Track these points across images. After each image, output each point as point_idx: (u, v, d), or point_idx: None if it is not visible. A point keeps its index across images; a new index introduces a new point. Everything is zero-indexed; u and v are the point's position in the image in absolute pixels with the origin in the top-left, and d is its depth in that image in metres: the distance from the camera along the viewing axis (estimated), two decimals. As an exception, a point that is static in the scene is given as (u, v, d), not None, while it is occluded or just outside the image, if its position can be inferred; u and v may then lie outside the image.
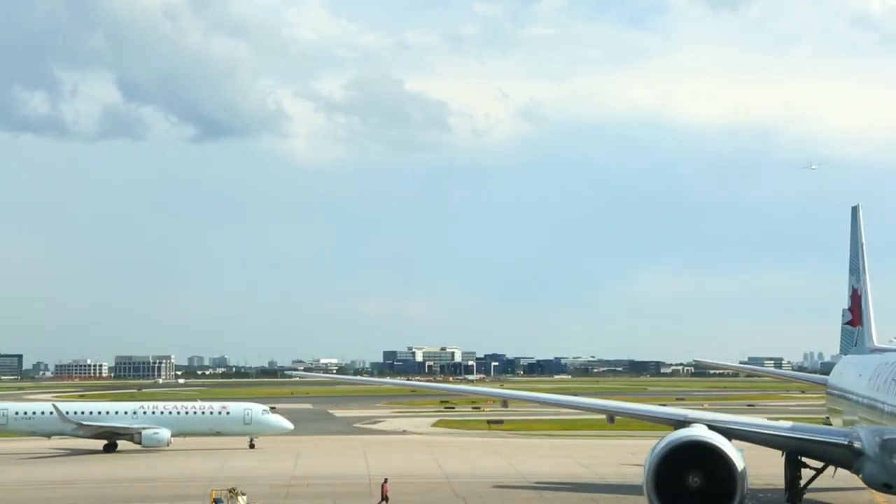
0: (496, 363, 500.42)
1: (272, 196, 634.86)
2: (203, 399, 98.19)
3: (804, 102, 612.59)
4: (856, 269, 54.39)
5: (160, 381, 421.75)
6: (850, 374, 49.03)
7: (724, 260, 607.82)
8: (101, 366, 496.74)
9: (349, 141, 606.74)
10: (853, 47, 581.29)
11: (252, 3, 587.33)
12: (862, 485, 44.94)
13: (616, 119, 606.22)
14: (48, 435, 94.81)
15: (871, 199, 56.02)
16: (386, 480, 59.06)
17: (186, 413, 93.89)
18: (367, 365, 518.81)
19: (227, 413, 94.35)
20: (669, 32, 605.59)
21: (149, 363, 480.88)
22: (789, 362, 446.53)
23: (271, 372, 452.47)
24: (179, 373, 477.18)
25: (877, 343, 51.05)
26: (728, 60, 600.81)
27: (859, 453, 42.32)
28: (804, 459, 47.42)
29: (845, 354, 54.90)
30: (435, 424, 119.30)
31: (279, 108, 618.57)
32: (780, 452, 48.01)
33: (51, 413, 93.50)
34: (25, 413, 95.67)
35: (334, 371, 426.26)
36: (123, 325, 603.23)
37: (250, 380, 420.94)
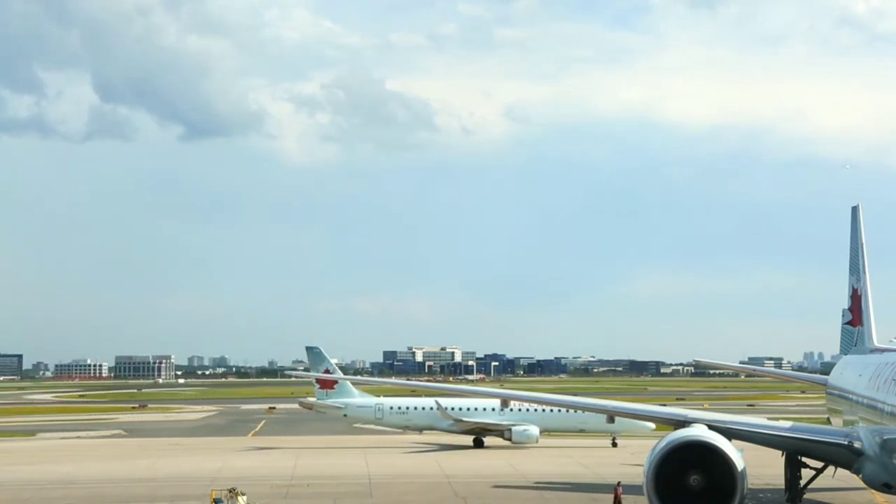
0: (496, 363, 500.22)
1: (270, 196, 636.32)
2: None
3: (794, 102, 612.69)
4: (856, 269, 54.37)
5: (160, 381, 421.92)
6: (850, 374, 49.01)
7: (724, 260, 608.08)
8: (101, 366, 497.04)
9: (340, 140, 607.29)
10: (839, 47, 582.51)
11: (239, 3, 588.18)
12: (862, 485, 44.96)
13: (607, 119, 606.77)
14: (420, 429, 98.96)
15: (865, 199, 55.72)
16: (619, 483, 55.36)
17: (552, 410, 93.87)
18: (367, 365, 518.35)
19: None
20: (655, 32, 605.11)
21: (149, 363, 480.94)
22: (789, 362, 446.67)
23: (271, 372, 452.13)
24: (179, 373, 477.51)
25: (877, 343, 51.00)
26: (717, 60, 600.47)
27: (859, 453, 42.33)
28: (804, 459, 47.39)
29: (845, 354, 54.86)
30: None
31: (272, 109, 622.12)
32: (780, 452, 48.00)
33: (423, 409, 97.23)
34: (399, 408, 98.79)
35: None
36: (123, 325, 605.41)
37: (250, 380, 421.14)
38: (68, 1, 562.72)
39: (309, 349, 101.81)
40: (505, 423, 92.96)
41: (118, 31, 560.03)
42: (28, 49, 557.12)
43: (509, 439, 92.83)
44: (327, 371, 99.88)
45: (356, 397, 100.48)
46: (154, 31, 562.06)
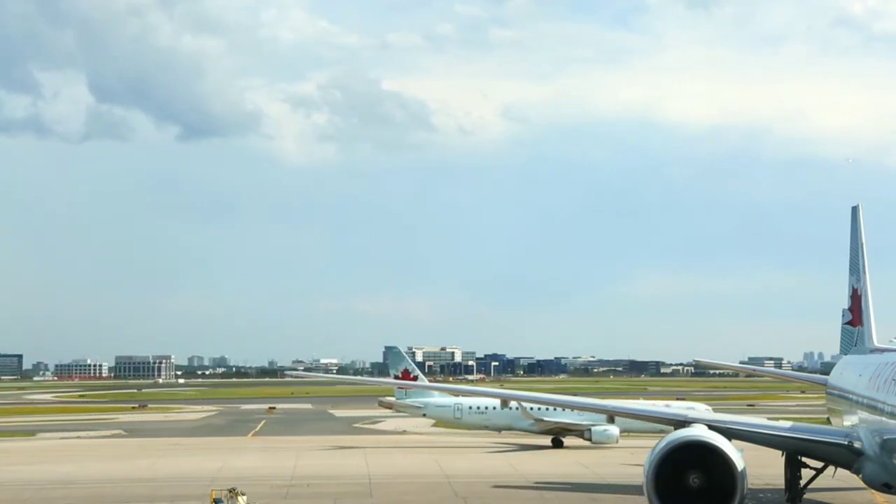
0: (496, 363, 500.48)
1: (270, 196, 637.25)
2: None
3: (794, 102, 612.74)
4: (856, 269, 54.36)
5: (160, 381, 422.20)
6: (850, 374, 48.98)
7: (724, 260, 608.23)
8: (101, 366, 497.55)
9: (338, 140, 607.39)
10: (839, 48, 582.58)
11: (235, 3, 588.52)
12: (862, 485, 44.93)
13: (607, 119, 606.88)
14: (499, 429, 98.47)
15: (865, 199, 55.67)
16: None
17: None
18: (368, 365, 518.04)
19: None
20: (654, 32, 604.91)
21: (149, 363, 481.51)
22: (789, 362, 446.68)
23: (271, 372, 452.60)
24: (179, 373, 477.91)
25: (877, 343, 50.97)
26: (717, 60, 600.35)
27: (859, 453, 42.30)
28: (804, 459, 47.35)
29: (845, 354, 54.86)
30: (435, 424, 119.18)
31: (269, 109, 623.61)
32: (780, 452, 47.98)
33: (501, 409, 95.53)
34: (479, 408, 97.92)
35: (334, 371, 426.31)
36: (123, 325, 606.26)
37: (250, 380, 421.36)
38: (63, 1, 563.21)
39: (388, 349, 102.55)
40: (585, 423, 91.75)
41: (114, 32, 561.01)
42: (24, 49, 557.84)
43: (589, 439, 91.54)
44: (406, 371, 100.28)
45: (435, 397, 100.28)
46: (150, 31, 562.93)
